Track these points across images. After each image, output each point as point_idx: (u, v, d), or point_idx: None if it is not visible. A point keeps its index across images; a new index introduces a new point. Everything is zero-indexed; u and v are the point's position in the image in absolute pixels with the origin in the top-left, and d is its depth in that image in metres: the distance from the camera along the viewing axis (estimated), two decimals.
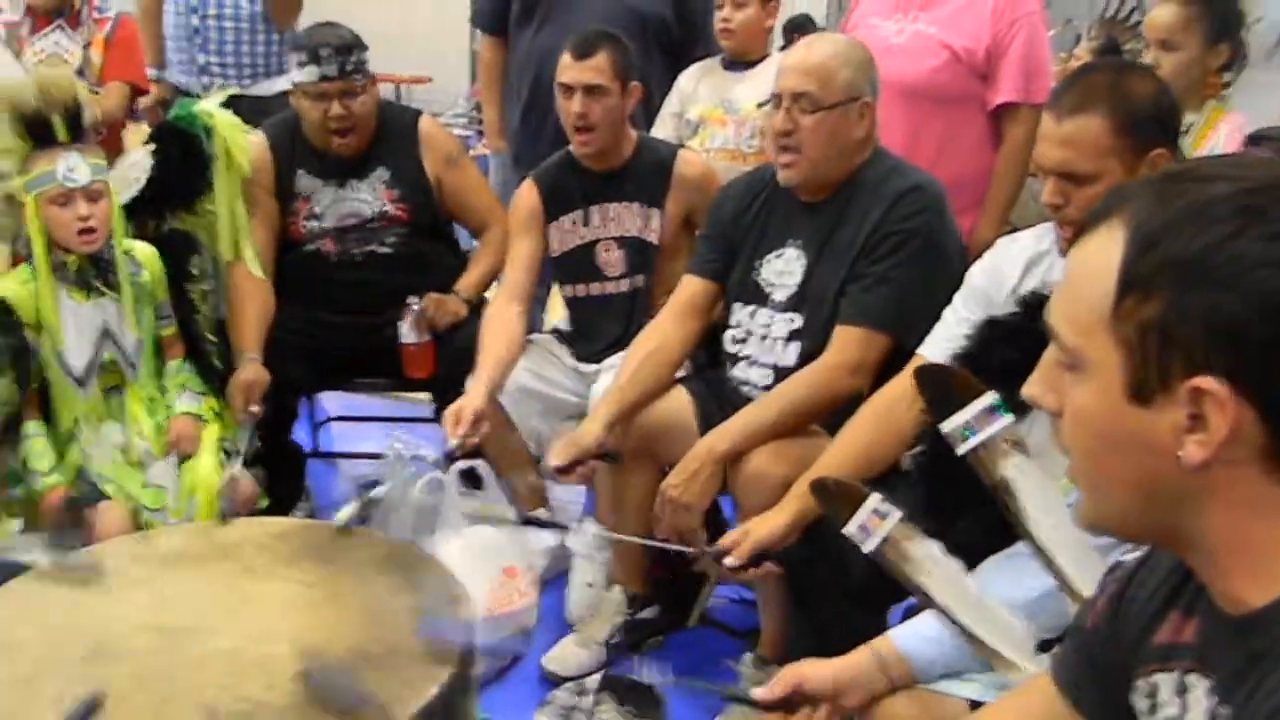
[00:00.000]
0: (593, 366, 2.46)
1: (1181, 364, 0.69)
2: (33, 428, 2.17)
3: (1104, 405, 0.73)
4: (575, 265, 2.50)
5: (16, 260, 2.27)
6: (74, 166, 2.10)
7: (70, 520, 2.03)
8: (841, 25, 2.95)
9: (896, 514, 1.28)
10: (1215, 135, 2.24)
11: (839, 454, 1.76)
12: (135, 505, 2.12)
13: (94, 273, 2.19)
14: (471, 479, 2.29)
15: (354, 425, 3.18)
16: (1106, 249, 0.72)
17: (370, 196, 2.63)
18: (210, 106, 2.44)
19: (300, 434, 2.79)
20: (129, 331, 2.24)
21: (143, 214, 2.36)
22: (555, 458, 2.06)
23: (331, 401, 3.17)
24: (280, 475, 2.45)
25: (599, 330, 2.49)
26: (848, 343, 1.95)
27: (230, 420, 2.35)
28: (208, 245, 2.46)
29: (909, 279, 1.95)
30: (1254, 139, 2.24)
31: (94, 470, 2.15)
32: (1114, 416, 0.73)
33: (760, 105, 2.31)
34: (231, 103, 2.56)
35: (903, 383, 1.72)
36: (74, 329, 2.19)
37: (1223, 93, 2.36)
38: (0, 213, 2.22)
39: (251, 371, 2.39)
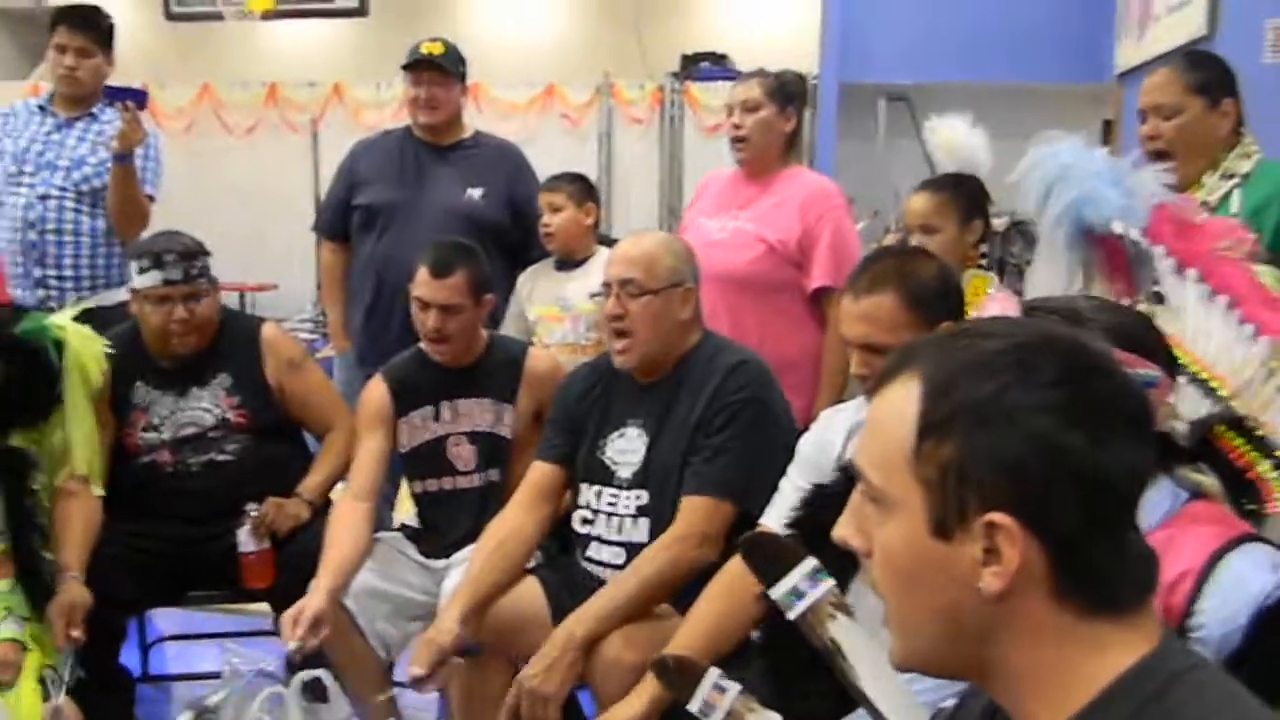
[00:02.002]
0: (441, 562, 2.44)
1: (976, 500, 0.76)
2: None
3: (909, 541, 0.79)
4: (425, 461, 2.51)
5: None
6: None
7: None
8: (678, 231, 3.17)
9: (735, 688, 1.30)
10: (989, 304, 2.45)
11: (689, 633, 1.79)
12: None
13: None
14: (316, 691, 2.20)
15: (189, 644, 3.03)
16: (903, 397, 0.80)
17: (211, 404, 2.60)
18: (61, 319, 2.41)
19: (130, 657, 2.64)
20: None
21: None
22: (416, 665, 2.01)
23: (164, 620, 3.02)
24: (108, 704, 2.31)
25: (449, 526, 2.49)
26: (693, 513, 2.02)
27: (52, 646, 2.22)
28: (45, 462, 2.38)
29: (746, 447, 2.05)
30: (1029, 309, 2.46)
31: None
32: (918, 552, 0.79)
33: (593, 296, 2.43)
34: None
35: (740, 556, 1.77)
36: None
37: (980, 263, 2.60)
38: None
39: (73, 593, 2.25)
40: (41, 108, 3.37)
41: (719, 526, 2.01)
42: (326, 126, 7.69)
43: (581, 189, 3.10)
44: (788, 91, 2.87)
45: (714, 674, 1.30)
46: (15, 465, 2.33)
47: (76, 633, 2.20)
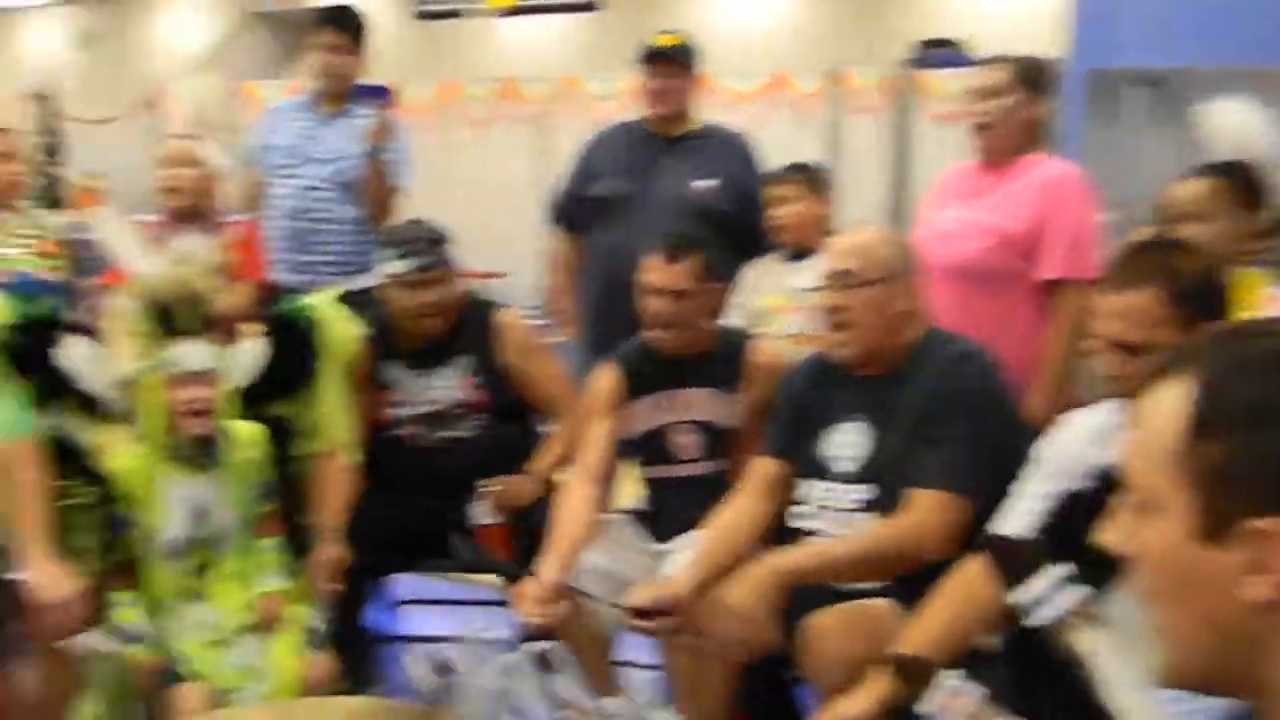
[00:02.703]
0: (666, 546, 2.48)
1: (1246, 505, 0.72)
2: (121, 598, 2.25)
3: (1173, 544, 0.76)
4: (650, 448, 2.56)
5: (130, 438, 2.41)
6: (193, 354, 2.27)
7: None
8: None
9: (978, 692, 1.27)
10: (1269, 304, 2.26)
11: (919, 631, 1.75)
12: (215, 687, 2.15)
13: (200, 452, 2.31)
14: (546, 662, 2.29)
15: (425, 608, 3.20)
16: (1177, 395, 0.77)
17: (451, 384, 2.74)
18: (317, 301, 2.60)
19: (371, 618, 2.82)
20: (226, 509, 2.34)
21: (252, 399, 2.48)
22: (635, 598, 2.06)
23: (402, 584, 3.20)
24: (352, 657, 2.48)
25: (674, 512, 2.52)
26: (923, 506, 1.98)
27: (312, 601, 2.41)
28: (306, 430, 2.58)
29: (974, 441, 2.00)
30: None
31: (177, 649, 2.21)
32: (1183, 556, 0.76)
33: (811, 290, 2.41)
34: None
35: (981, 562, 1.72)
36: (174, 505, 2.30)
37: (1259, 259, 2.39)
38: (125, 394, 2.37)
39: (331, 551, 2.47)
40: (304, 105, 3.63)
41: (948, 521, 1.97)
42: (558, 120, 7.92)
43: (815, 179, 3.08)
44: (1033, 77, 2.76)
45: (955, 677, 1.27)
46: (280, 433, 2.54)
47: (333, 585, 2.39)
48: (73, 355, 2.40)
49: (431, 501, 2.66)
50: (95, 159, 10.40)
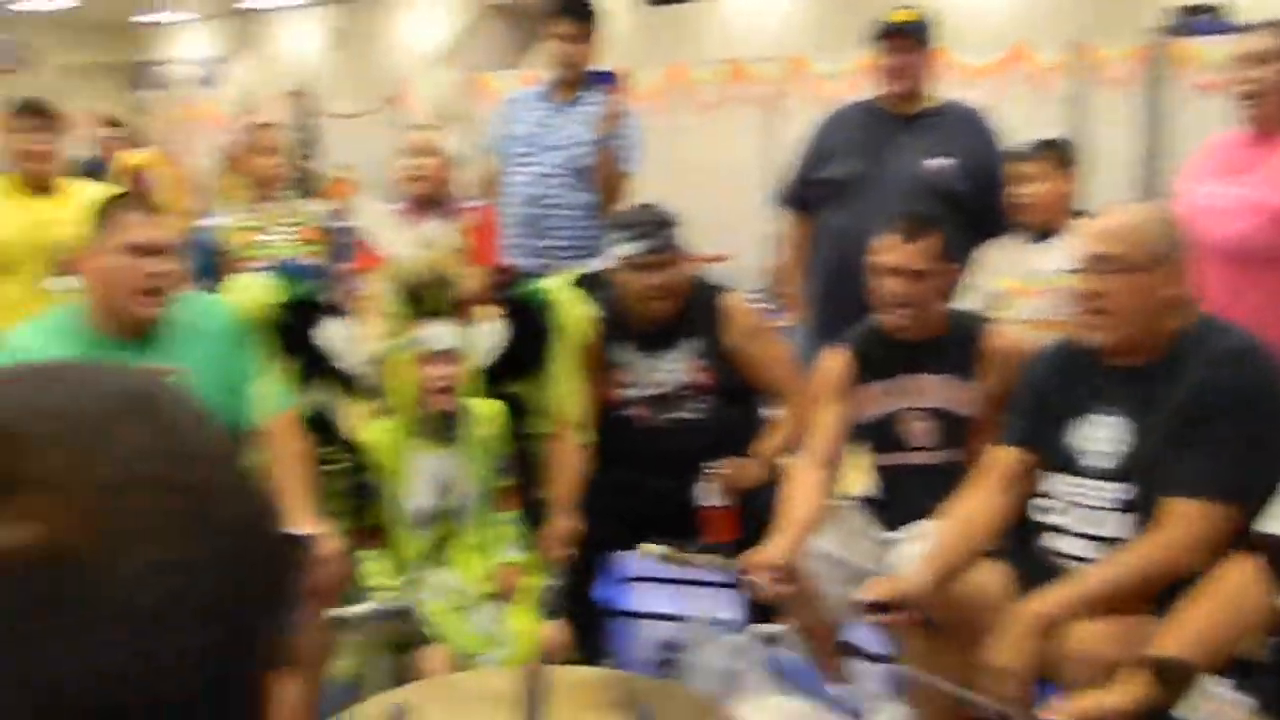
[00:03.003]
0: (897, 534, 2.42)
1: None
2: (371, 559, 2.39)
3: None
4: (881, 434, 2.51)
5: (380, 412, 2.57)
6: (441, 334, 2.39)
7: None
8: None
9: (1247, 703, 1.18)
10: None
11: (1179, 635, 1.64)
12: (458, 650, 2.27)
13: (444, 427, 2.43)
14: (773, 644, 2.28)
15: (651, 586, 3.25)
16: None
17: (678, 367, 2.77)
18: (553, 285, 2.69)
19: (601, 592, 2.89)
20: (468, 482, 2.46)
21: (491, 378, 2.60)
22: (871, 592, 2.03)
23: (629, 561, 3.26)
24: (583, 629, 2.55)
25: (907, 501, 2.47)
26: (1188, 518, 1.84)
27: (546, 573, 2.50)
28: (541, 409, 2.68)
29: (1245, 443, 1.84)
30: None
31: (423, 612, 2.34)
32: None
33: (1067, 271, 2.28)
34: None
35: (1249, 562, 1.60)
36: (420, 476, 2.43)
37: None
38: (375, 373, 2.52)
39: (564, 524, 2.56)
40: (540, 94, 3.74)
41: (1211, 533, 1.82)
42: (785, 101, 7.84)
43: (1062, 156, 2.92)
44: None
45: (1216, 683, 1.18)
46: (516, 412, 2.64)
47: (565, 553, 2.48)
48: (330, 335, 2.57)
49: (658, 481, 2.70)
50: (345, 151, 11.06)
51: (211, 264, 3.29)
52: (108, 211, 2.27)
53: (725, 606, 2.27)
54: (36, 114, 3.18)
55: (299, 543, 2.17)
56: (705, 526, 2.61)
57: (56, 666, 0.40)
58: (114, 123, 7.23)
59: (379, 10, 16.06)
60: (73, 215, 2.37)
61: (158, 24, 18.34)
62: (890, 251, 2.41)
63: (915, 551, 2.18)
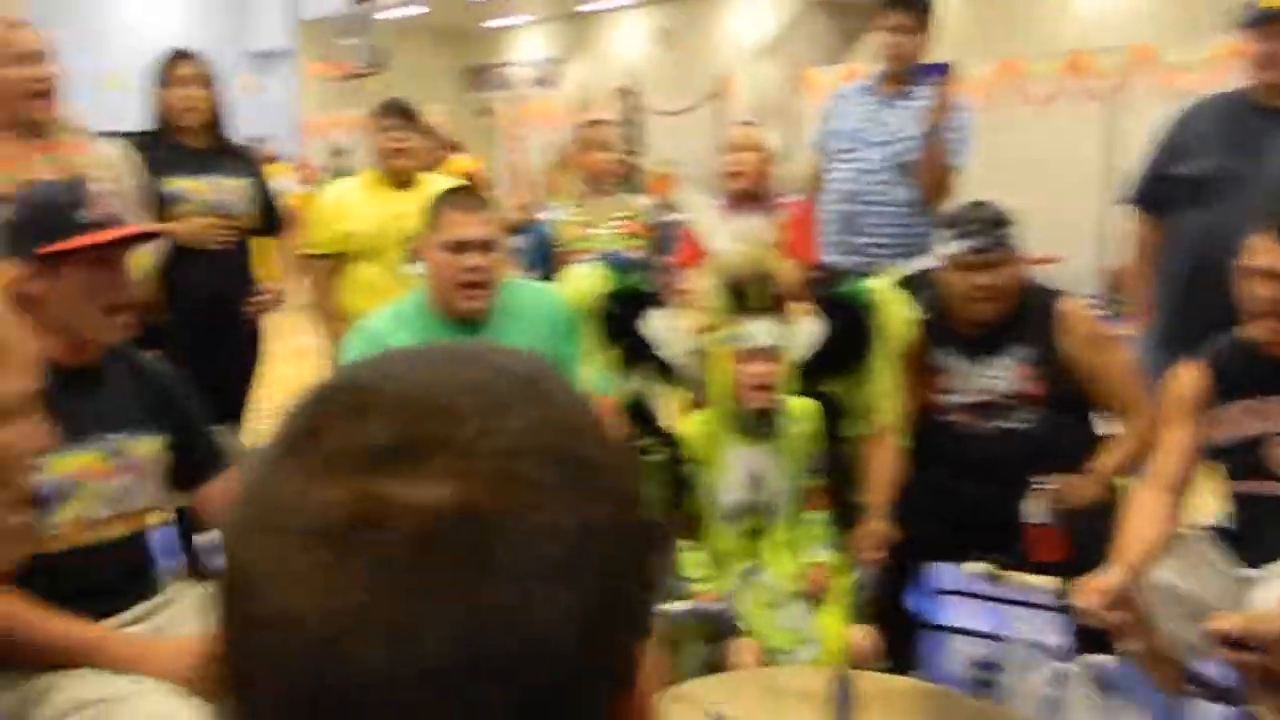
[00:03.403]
0: (1254, 572, 2.19)
1: None
2: (686, 544, 2.43)
3: None
4: (1241, 459, 2.27)
5: (698, 404, 2.61)
6: (760, 331, 2.39)
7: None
8: None
9: None
10: None
11: None
12: (767, 646, 2.26)
13: (759, 423, 2.44)
14: (1104, 679, 2.13)
15: (967, 600, 3.11)
16: None
17: (1005, 373, 2.63)
18: (876, 284, 2.63)
19: (913, 601, 2.80)
20: (780, 479, 2.45)
21: (806, 375, 2.58)
22: (1226, 623, 1.84)
23: (944, 573, 3.14)
24: (894, 637, 2.48)
25: (1270, 535, 2.22)
26: None
27: (857, 577, 2.45)
28: (857, 410, 2.63)
29: None
30: None
31: (735, 605, 2.35)
32: None
33: None
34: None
35: None
36: (733, 470, 2.45)
37: None
38: (695, 364, 2.56)
39: (877, 527, 2.50)
40: (867, 88, 3.67)
41: None
42: (1129, 94, 7.31)
43: None
44: None
45: None
46: (831, 411, 2.60)
47: (878, 558, 2.42)
48: (654, 325, 2.63)
49: (980, 492, 2.58)
50: (668, 147, 11.37)
51: (545, 255, 3.47)
52: (434, 209, 2.45)
53: (1049, 630, 2.13)
54: (399, 113, 3.45)
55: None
56: (1031, 544, 2.47)
57: (461, 613, 0.44)
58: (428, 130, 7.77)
59: (704, 7, 16.37)
60: (424, 207, 2.58)
61: (498, 28, 19.60)
62: (1264, 254, 2.17)
63: (1273, 596, 1.96)
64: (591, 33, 18.54)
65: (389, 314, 2.50)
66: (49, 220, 1.79)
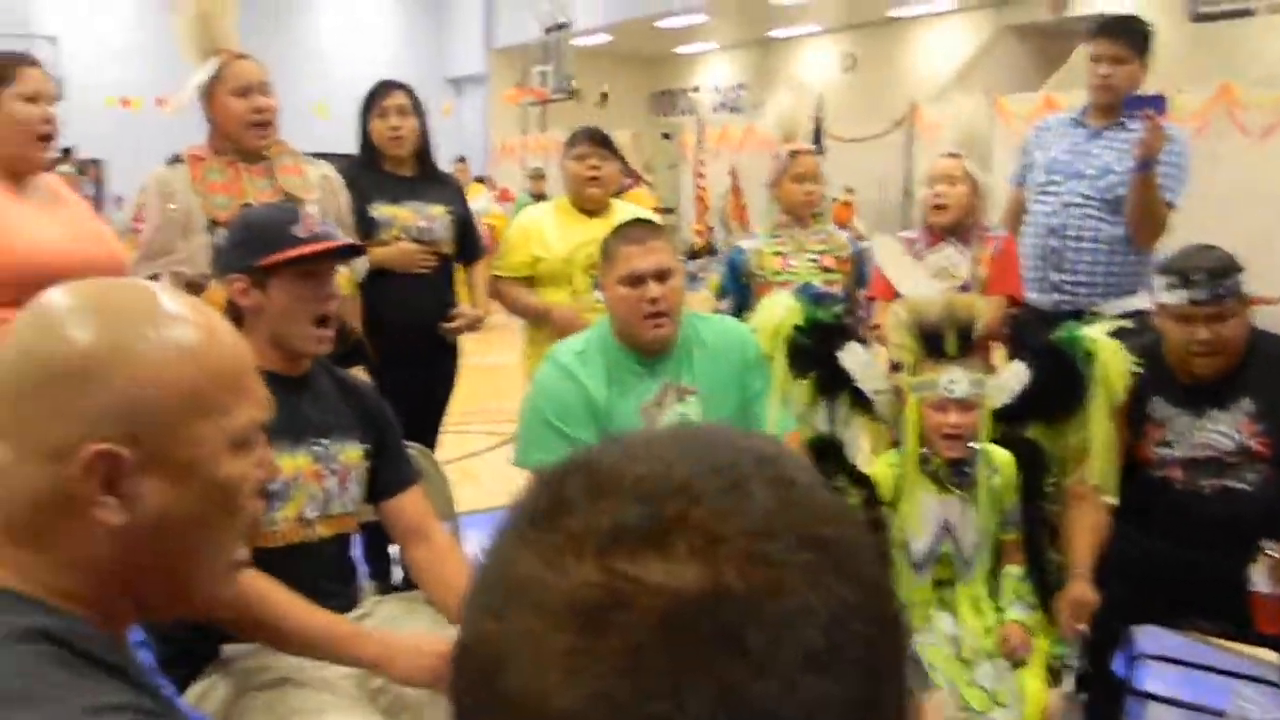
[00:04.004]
0: None
1: None
2: None
3: None
4: None
5: (894, 442, 2.53)
6: (955, 380, 2.29)
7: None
8: None
9: None
10: None
11: None
12: (961, 702, 2.16)
13: (953, 472, 2.33)
14: None
15: (1183, 670, 2.90)
16: None
17: (1230, 429, 2.45)
18: (1094, 333, 2.48)
19: (1119, 666, 2.63)
20: (971, 531, 2.34)
21: (1005, 419, 2.46)
22: None
23: (1155, 638, 2.94)
24: (1097, 703, 2.34)
25: None
26: None
27: (1056, 637, 2.31)
28: (1059, 460, 2.49)
29: None
30: None
31: (924, 656, 2.25)
32: None
33: None
34: (1076, 318, 2.61)
35: None
36: (924, 517, 2.35)
37: None
38: (888, 401, 2.48)
39: (1080, 589, 2.34)
40: (1074, 120, 3.50)
41: None
42: None
43: None
44: None
45: None
46: (1032, 459, 2.47)
47: (1081, 626, 2.27)
48: (848, 361, 2.55)
49: (1198, 555, 2.41)
50: (849, 175, 11.22)
51: (740, 286, 3.43)
52: (608, 244, 2.46)
53: (1273, 708, 1.95)
54: (596, 141, 3.49)
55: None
56: (1255, 613, 2.28)
57: (713, 698, 0.44)
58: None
59: (893, 35, 16.13)
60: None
61: (686, 54, 19.79)
62: None
63: None
64: (779, 59, 18.52)
65: (577, 345, 2.51)
66: (264, 236, 1.91)
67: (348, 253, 2.08)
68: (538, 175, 11.98)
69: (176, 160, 2.88)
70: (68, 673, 0.80)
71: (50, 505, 0.86)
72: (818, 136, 10.85)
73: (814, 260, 3.38)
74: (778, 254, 3.41)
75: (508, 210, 12.00)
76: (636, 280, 2.38)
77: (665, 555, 0.45)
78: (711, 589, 0.45)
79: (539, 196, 11.04)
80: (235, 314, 1.89)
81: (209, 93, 2.84)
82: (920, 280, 2.73)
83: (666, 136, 18.32)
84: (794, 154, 3.44)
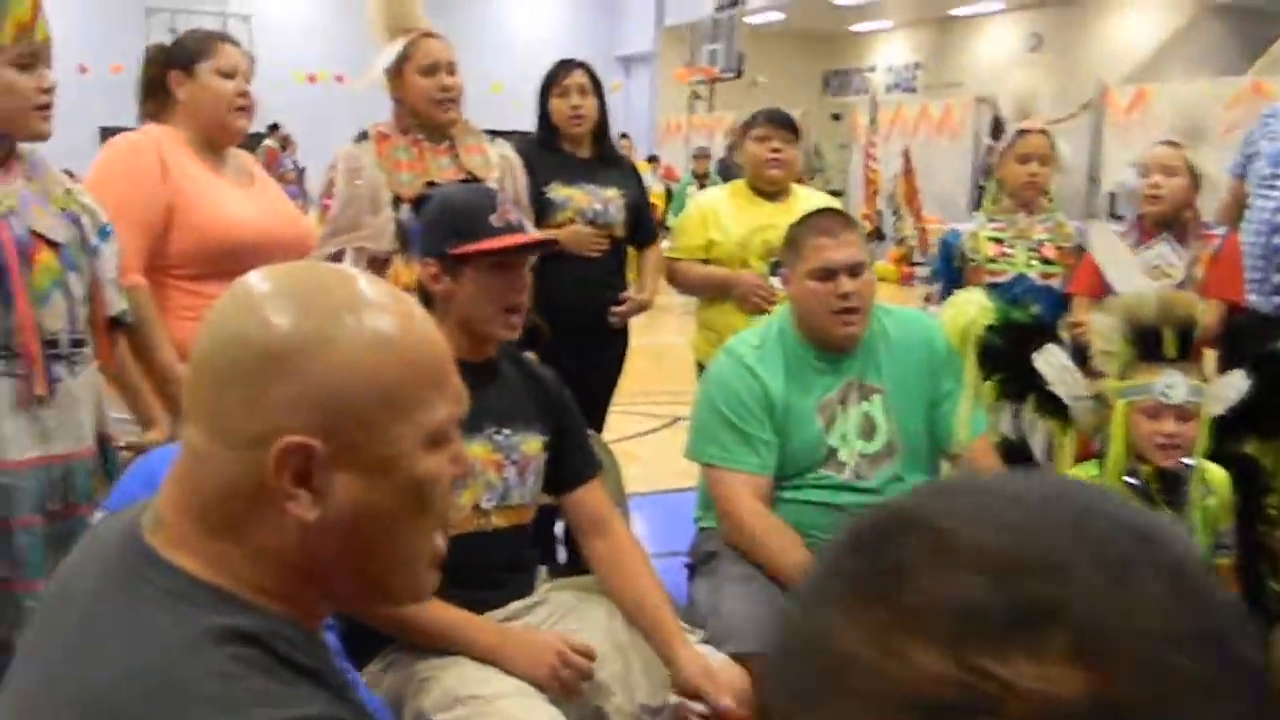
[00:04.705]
0: None
1: None
2: None
3: None
4: None
5: (1090, 453, 2.36)
6: (1172, 384, 2.12)
7: None
8: None
9: None
10: None
11: None
12: None
13: (1164, 487, 2.16)
14: None
15: None
16: None
17: None
18: None
19: None
20: None
21: (1221, 431, 2.27)
22: None
23: None
24: None
25: None
26: None
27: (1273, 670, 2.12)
28: (1277, 481, 2.28)
29: None
30: None
31: None
32: None
33: None
34: None
35: None
36: None
37: None
38: (1089, 408, 2.32)
39: None
40: None
41: None
42: None
43: None
44: None
45: None
46: (1250, 478, 2.27)
47: None
48: (1048, 362, 2.39)
49: None
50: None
51: (953, 270, 3.25)
52: (798, 235, 2.35)
53: None
54: (780, 123, 3.38)
55: None
56: None
57: None
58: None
59: (1083, 13, 15.38)
60: (791, 222, 2.48)
61: (860, 32, 19.35)
62: None
63: None
64: (958, 38, 17.91)
65: (754, 338, 2.42)
66: (461, 222, 1.88)
67: (543, 246, 2.05)
68: (702, 155, 11.89)
69: (363, 137, 2.91)
70: (264, 678, 0.78)
71: (244, 495, 0.83)
72: (997, 123, 10.45)
73: (1034, 249, 3.16)
74: (995, 239, 3.20)
75: (671, 186, 11.96)
76: (828, 274, 2.27)
77: (1038, 654, 0.38)
78: (1097, 700, 0.38)
79: (702, 176, 10.94)
80: (425, 296, 1.88)
81: (397, 70, 2.86)
82: (1138, 279, 2.53)
83: (836, 117, 17.97)
84: (1022, 132, 3.20)
